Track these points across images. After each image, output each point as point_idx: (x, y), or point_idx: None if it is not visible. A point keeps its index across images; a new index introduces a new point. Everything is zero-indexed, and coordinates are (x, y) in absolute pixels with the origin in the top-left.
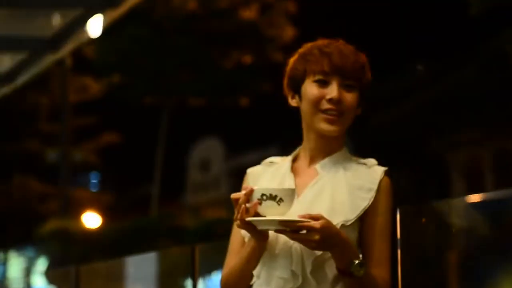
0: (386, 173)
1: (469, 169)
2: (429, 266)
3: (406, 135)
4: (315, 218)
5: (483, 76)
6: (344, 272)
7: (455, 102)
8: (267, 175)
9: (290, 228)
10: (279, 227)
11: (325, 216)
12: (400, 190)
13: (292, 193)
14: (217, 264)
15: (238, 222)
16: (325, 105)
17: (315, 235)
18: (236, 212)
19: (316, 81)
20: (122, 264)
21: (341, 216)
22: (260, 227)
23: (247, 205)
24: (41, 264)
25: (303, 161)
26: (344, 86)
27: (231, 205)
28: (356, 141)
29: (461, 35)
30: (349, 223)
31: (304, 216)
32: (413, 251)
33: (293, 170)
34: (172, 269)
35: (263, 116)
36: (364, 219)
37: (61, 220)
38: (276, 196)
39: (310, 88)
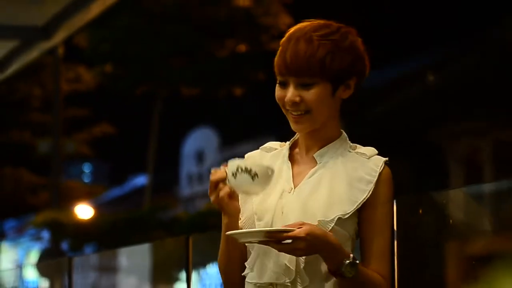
0: (386, 163)
1: (468, 159)
2: (427, 259)
3: (403, 124)
4: (298, 226)
5: (484, 64)
6: (335, 273)
7: (455, 92)
8: (265, 161)
9: (275, 238)
10: (263, 239)
11: (323, 209)
12: (397, 180)
13: (269, 173)
14: (211, 255)
15: (213, 198)
16: (287, 106)
17: (301, 243)
18: (211, 190)
19: (279, 83)
20: (115, 256)
21: (338, 208)
22: (242, 240)
23: (220, 185)
24: (33, 256)
25: (300, 149)
26: (301, 85)
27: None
28: (352, 129)
29: (461, 23)
30: (346, 216)
31: (286, 226)
32: (410, 243)
33: (291, 157)
34: (165, 260)
35: (259, 106)
36: (363, 212)
37: (53, 211)
38: (251, 170)
39: (276, 89)
